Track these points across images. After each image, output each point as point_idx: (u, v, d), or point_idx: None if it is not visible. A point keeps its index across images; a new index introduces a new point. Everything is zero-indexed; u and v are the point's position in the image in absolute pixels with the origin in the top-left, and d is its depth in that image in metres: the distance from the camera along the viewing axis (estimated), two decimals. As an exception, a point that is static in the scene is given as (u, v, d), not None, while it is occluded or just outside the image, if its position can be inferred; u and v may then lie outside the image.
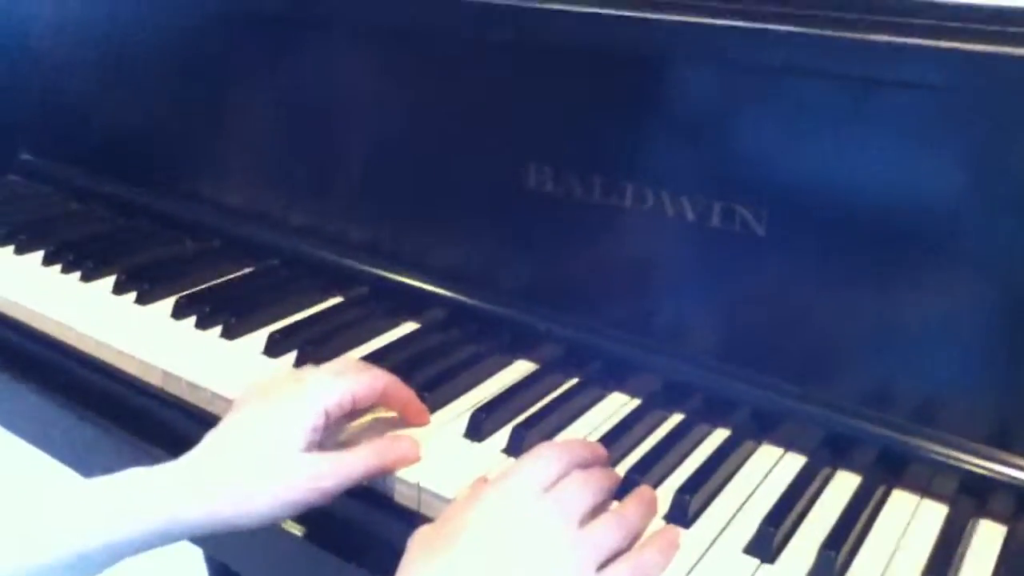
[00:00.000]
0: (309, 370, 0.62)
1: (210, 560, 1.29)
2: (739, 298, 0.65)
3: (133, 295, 0.81)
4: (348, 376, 0.60)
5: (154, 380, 0.71)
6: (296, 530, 0.61)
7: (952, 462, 0.58)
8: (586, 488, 0.52)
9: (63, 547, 0.51)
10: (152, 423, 0.71)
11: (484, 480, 0.54)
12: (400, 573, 0.48)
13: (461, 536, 0.47)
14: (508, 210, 0.73)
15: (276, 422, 0.56)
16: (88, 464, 0.75)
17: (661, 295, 0.67)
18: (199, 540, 0.63)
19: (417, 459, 0.59)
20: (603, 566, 0.49)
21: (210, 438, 0.57)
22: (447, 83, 0.74)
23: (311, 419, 0.56)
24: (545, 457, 0.53)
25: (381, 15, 0.76)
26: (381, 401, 0.62)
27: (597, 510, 0.52)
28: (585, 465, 0.55)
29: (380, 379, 0.61)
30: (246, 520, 0.54)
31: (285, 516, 0.57)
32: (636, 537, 0.52)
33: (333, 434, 0.60)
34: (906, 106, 0.56)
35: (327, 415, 0.57)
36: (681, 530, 0.54)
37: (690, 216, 0.64)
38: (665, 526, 0.54)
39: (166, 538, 0.54)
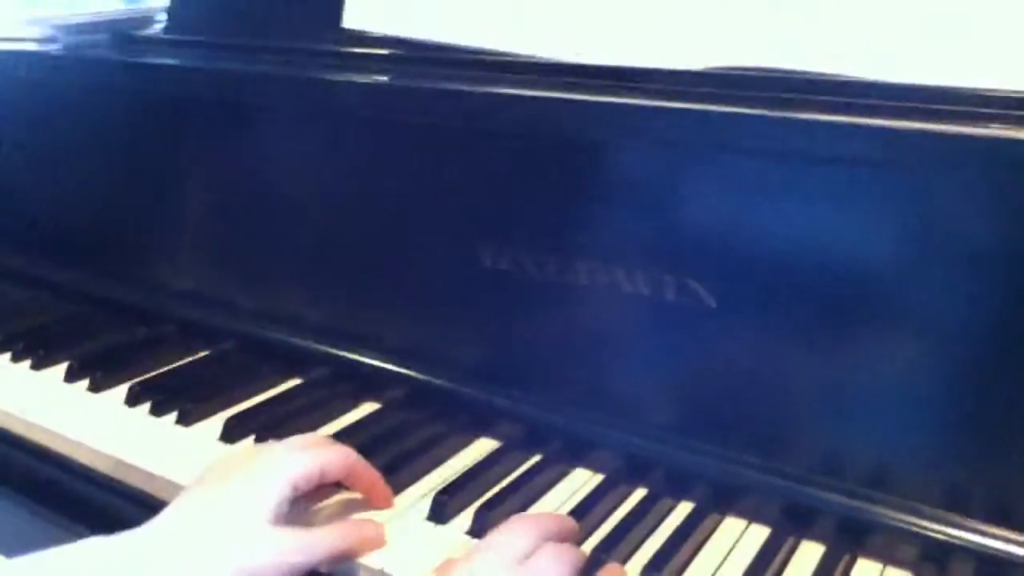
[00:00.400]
0: (275, 443, 0.61)
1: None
2: (697, 370, 0.65)
3: (85, 383, 0.80)
4: (315, 450, 0.59)
5: (107, 469, 0.69)
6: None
7: (913, 528, 0.58)
8: (559, 562, 0.51)
9: None
10: (106, 514, 0.69)
11: (451, 561, 0.53)
12: None
13: None
14: (464, 289, 0.73)
15: (243, 492, 0.55)
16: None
17: (620, 370, 0.68)
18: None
19: (383, 544, 0.58)
20: None
21: (172, 507, 0.55)
22: (400, 165, 0.75)
23: (279, 491, 0.55)
24: (517, 531, 0.53)
25: (331, 102, 0.78)
26: (346, 480, 0.61)
27: None
28: (556, 538, 0.55)
29: (347, 455, 0.60)
30: None
31: None
32: None
33: (296, 514, 0.59)
34: (846, 181, 0.58)
35: (295, 488, 0.56)
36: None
37: (644, 291, 0.65)
38: None
39: None
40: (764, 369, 0.63)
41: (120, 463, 0.69)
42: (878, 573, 0.58)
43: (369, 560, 0.57)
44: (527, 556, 0.51)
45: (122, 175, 0.93)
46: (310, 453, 0.58)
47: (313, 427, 0.73)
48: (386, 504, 0.63)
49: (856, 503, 0.60)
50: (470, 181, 0.72)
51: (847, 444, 0.61)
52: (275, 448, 0.59)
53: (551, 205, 0.68)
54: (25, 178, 1.01)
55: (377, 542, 0.58)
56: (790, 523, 0.61)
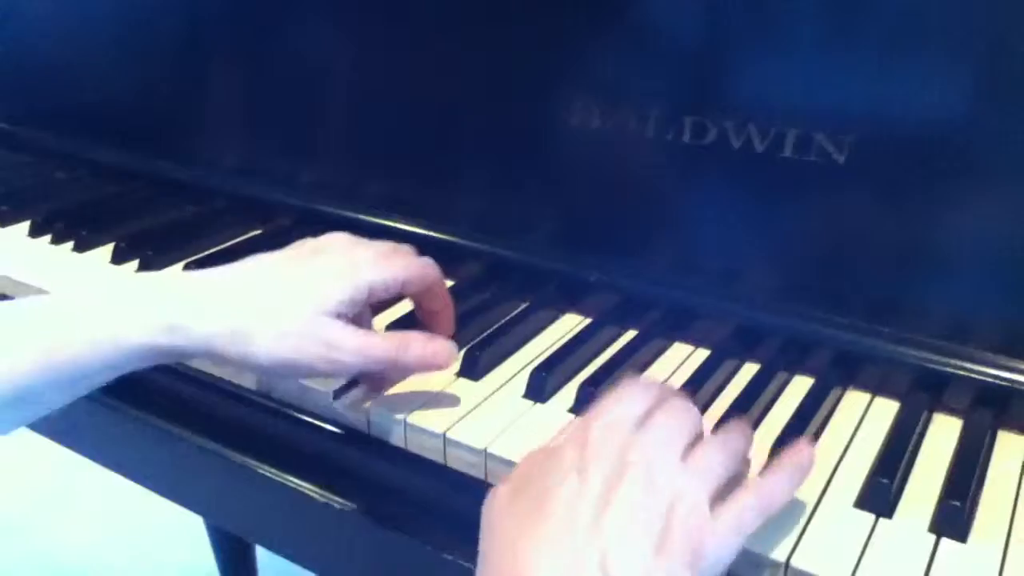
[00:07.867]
0: (366, 244, 0.57)
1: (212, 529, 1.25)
2: (807, 231, 0.59)
3: (135, 263, 0.74)
4: (401, 260, 0.56)
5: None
6: (347, 506, 0.55)
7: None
8: (683, 420, 0.45)
9: None
10: (167, 397, 0.65)
11: (563, 433, 0.47)
12: (490, 543, 0.42)
13: (559, 492, 0.41)
14: (548, 152, 0.67)
15: (311, 278, 0.53)
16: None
17: (722, 234, 0.62)
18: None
19: (449, 364, 0.54)
20: (721, 497, 0.42)
21: (237, 265, 0.55)
22: (464, 21, 0.68)
23: (350, 291, 0.52)
24: (633, 393, 0.46)
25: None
26: (421, 296, 0.58)
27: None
28: None
29: (431, 269, 0.57)
30: (236, 361, 0.51)
31: (285, 374, 0.56)
32: (745, 461, 0.47)
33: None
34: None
35: (370, 292, 0.53)
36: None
37: (758, 147, 0.59)
38: (796, 443, 0.46)
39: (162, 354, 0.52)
40: (880, 225, 0.57)
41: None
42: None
43: (470, 439, 0.52)
44: (641, 421, 0.45)
45: (156, 44, 0.86)
46: (397, 263, 0.55)
47: (386, 305, 0.68)
48: (447, 332, 0.59)
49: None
50: (549, 32, 0.64)
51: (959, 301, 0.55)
52: (359, 250, 0.56)
53: (649, 53, 0.61)
54: (50, 51, 0.94)
55: (444, 361, 0.54)
56: (922, 394, 0.56)
